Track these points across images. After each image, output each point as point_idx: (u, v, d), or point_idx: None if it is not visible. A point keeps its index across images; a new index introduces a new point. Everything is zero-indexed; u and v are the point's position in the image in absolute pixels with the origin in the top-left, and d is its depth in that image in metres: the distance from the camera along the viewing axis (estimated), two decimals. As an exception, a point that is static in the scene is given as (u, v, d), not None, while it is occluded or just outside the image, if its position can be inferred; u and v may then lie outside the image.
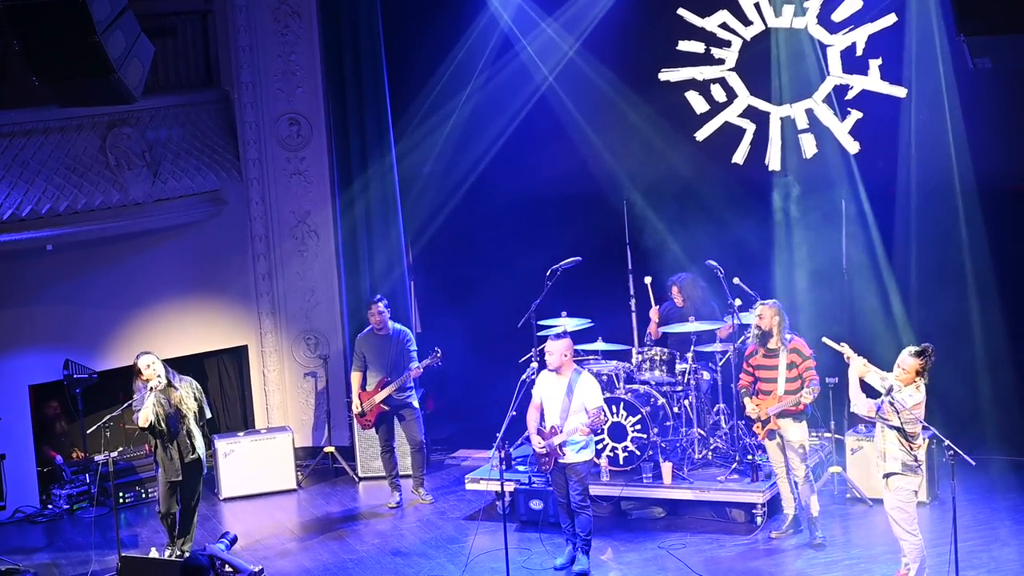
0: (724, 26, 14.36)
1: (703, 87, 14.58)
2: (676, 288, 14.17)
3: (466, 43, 15.16)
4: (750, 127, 14.53)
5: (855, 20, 13.93)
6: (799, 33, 14.14)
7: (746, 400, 12.46)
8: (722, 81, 14.53)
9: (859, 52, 13.99)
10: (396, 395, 14.05)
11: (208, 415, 12.78)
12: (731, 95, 14.55)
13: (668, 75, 14.58)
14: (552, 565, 12.34)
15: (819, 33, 14.08)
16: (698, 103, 14.61)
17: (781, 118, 14.44)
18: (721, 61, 14.46)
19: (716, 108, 14.61)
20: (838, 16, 13.96)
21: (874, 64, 13.97)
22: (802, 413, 12.23)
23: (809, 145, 14.36)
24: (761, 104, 14.49)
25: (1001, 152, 13.91)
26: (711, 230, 14.59)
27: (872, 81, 14.02)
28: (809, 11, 14.03)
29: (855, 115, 14.14)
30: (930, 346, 10.88)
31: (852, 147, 14.23)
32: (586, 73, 14.95)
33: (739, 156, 14.59)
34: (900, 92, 13.94)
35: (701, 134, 14.65)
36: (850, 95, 14.14)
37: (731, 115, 14.58)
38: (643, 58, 14.72)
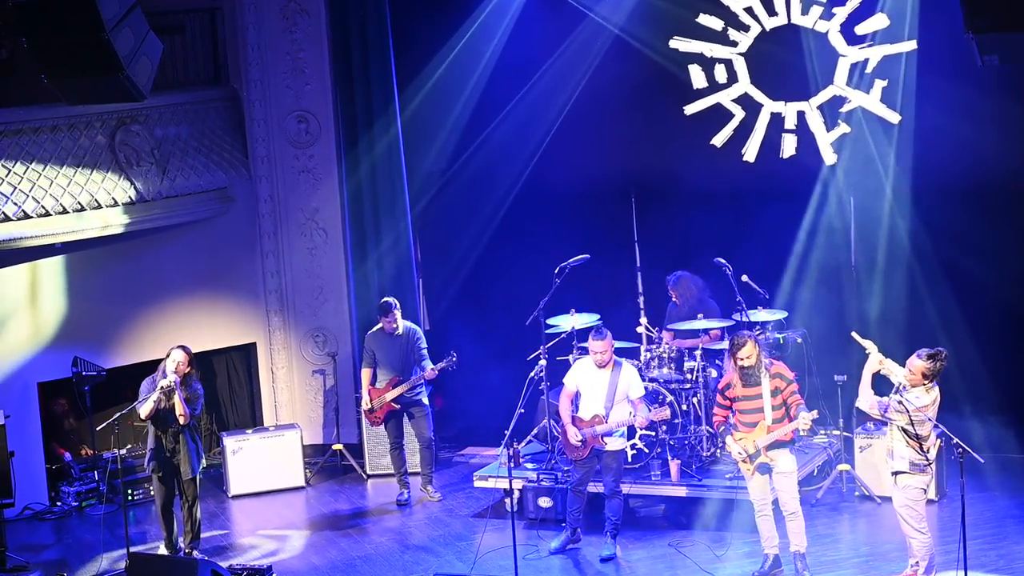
0: (749, 10, 14.31)
1: (708, 64, 14.54)
2: (670, 288, 14.16)
3: (473, 39, 15.15)
4: (740, 114, 14.52)
5: (874, 37, 13.89)
6: (818, 36, 14.11)
7: (728, 439, 11.71)
8: (728, 63, 14.50)
9: (869, 69, 13.96)
10: (406, 393, 14.06)
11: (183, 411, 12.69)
12: (732, 79, 14.52)
13: (678, 44, 14.53)
14: (548, 548, 12.42)
15: (837, 41, 14.04)
16: (698, 78, 14.59)
17: (771, 113, 14.43)
18: (734, 43, 14.44)
19: (713, 88, 14.58)
20: (861, 29, 13.91)
21: (879, 84, 13.96)
22: (793, 440, 11.69)
23: (789, 146, 14.36)
24: (757, 94, 14.47)
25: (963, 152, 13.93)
26: (717, 226, 14.60)
27: (872, 100, 14.01)
28: (835, 17, 13.98)
29: (843, 128, 14.14)
30: (943, 351, 10.83)
31: (830, 158, 14.24)
32: (591, 67, 14.92)
33: (719, 139, 14.58)
34: (894, 117, 13.93)
35: (690, 108, 14.62)
36: (845, 108, 14.13)
37: (725, 98, 14.55)
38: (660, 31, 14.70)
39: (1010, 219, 14.05)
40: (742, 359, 11.45)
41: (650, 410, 12.50)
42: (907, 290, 14.29)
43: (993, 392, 14.04)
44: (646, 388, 13.51)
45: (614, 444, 12.27)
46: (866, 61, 13.99)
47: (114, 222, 14.68)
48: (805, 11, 14.12)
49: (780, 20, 14.28)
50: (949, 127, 13.68)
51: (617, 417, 12.16)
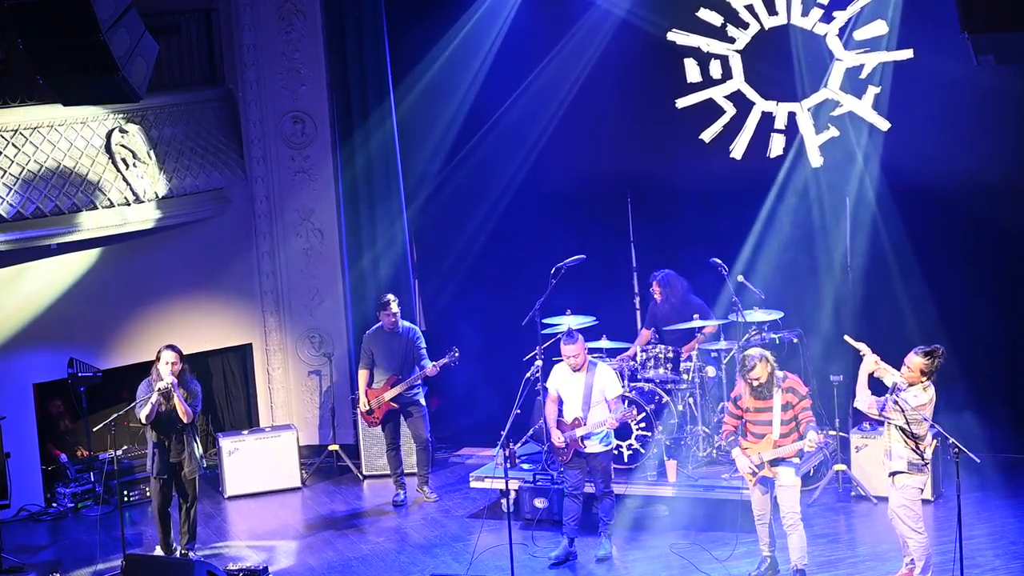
0: (750, 8, 14.31)
1: (703, 59, 14.53)
2: (656, 284, 14.14)
3: (468, 39, 15.16)
4: (731, 110, 14.53)
5: (873, 44, 13.90)
6: (815, 38, 14.12)
7: (735, 451, 11.57)
8: (723, 59, 14.51)
9: (863, 75, 13.98)
10: (405, 393, 14.07)
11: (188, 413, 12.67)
12: (726, 75, 14.53)
13: (676, 36, 14.52)
14: (548, 556, 12.41)
15: (835, 44, 14.04)
16: (692, 72, 14.59)
17: (762, 112, 14.44)
18: (732, 40, 14.44)
19: (707, 83, 14.58)
20: (860, 35, 13.91)
21: (872, 91, 13.97)
22: (799, 454, 11.55)
23: (777, 146, 14.37)
24: (750, 92, 14.48)
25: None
26: (712, 226, 14.61)
27: (863, 107, 14.02)
28: (835, 21, 13.98)
29: (832, 132, 14.16)
30: (940, 348, 10.84)
31: (816, 161, 14.26)
32: (586, 66, 14.92)
33: (708, 135, 14.59)
34: (884, 124, 13.95)
35: (682, 102, 14.62)
36: (836, 112, 14.14)
37: (718, 94, 14.55)
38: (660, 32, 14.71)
39: (1000, 221, 14.05)
40: (752, 379, 11.38)
41: (628, 407, 12.49)
42: (900, 291, 14.29)
43: (987, 391, 14.04)
44: (642, 388, 13.53)
45: (594, 447, 12.25)
46: (861, 67, 14.00)
47: (110, 223, 14.65)
48: (806, 12, 14.12)
49: (780, 20, 14.27)
50: (939, 132, 13.72)
51: (595, 419, 12.16)
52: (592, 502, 12.73)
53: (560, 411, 12.31)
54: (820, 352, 14.11)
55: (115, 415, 12.86)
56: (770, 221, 14.52)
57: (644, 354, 13.81)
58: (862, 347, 11.21)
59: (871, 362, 11.08)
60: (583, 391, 12.16)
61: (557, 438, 12.21)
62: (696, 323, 13.71)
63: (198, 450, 12.80)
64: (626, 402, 12.79)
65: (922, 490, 11.03)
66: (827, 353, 13.96)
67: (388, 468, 14.58)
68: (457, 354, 14.00)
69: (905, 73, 13.85)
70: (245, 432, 15.29)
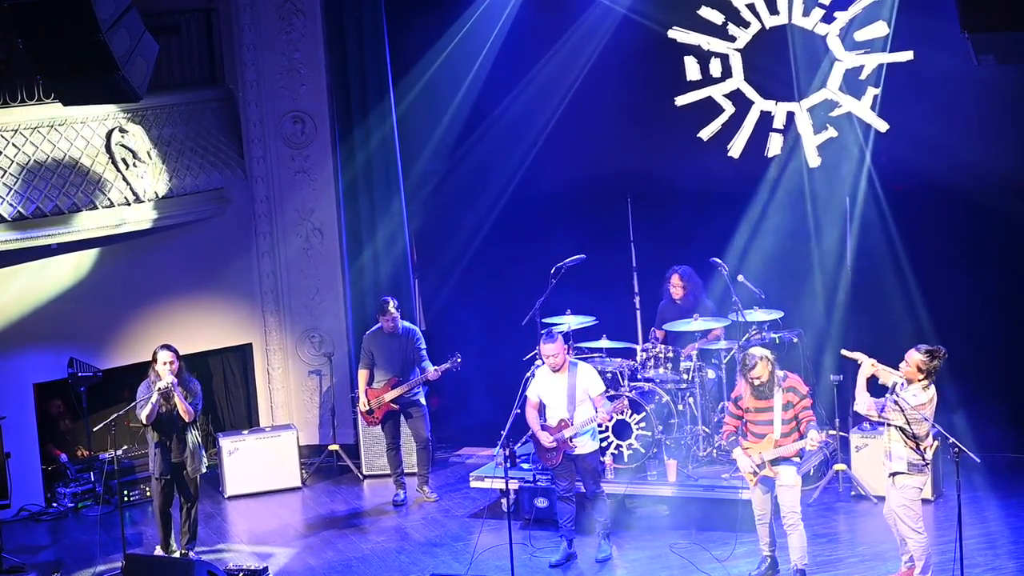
0: (751, 7, 14.32)
1: (703, 57, 14.53)
2: (677, 277, 14.10)
3: (467, 39, 15.16)
4: (730, 109, 14.53)
5: (872, 45, 13.90)
6: (816, 38, 14.12)
7: (736, 451, 11.62)
8: (724, 58, 14.51)
9: (863, 76, 13.98)
10: (405, 393, 14.06)
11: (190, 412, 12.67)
12: (726, 74, 14.53)
13: (677, 34, 14.51)
14: (548, 562, 12.40)
15: (835, 45, 14.04)
16: (692, 70, 14.58)
17: (760, 111, 14.44)
18: (732, 38, 14.44)
19: (706, 81, 14.58)
20: (860, 36, 13.91)
21: (871, 92, 13.97)
22: (800, 454, 11.54)
23: (775, 145, 14.37)
24: (749, 91, 14.48)
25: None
26: (711, 224, 14.61)
27: (862, 107, 14.02)
28: (836, 22, 13.97)
29: (830, 132, 14.16)
30: (942, 349, 10.83)
31: (814, 161, 14.27)
32: (585, 65, 14.93)
33: (706, 133, 14.58)
34: (882, 126, 13.95)
35: (681, 100, 14.62)
36: (835, 112, 14.14)
37: (717, 92, 14.55)
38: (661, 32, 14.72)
39: (999, 221, 14.06)
40: (753, 378, 11.36)
41: (616, 402, 12.50)
42: (899, 291, 14.30)
43: (987, 391, 14.05)
44: (642, 388, 13.53)
45: (584, 447, 12.20)
46: (860, 67, 14.00)
47: (110, 223, 14.65)
48: (807, 12, 14.12)
49: (781, 19, 14.27)
50: (938, 133, 13.72)
51: (582, 418, 12.13)
52: (585, 502, 12.69)
53: (543, 415, 12.27)
54: (820, 351, 14.11)
55: (115, 415, 12.85)
56: (768, 220, 14.52)
57: (644, 354, 13.81)
58: (859, 356, 11.19)
59: (868, 366, 11.08)
60: (566, 391, 12.10)
61: (546, 439, 12.18)
62: (701, 324, 13.66)
63: (199, 442, 12.79)
64: (624, 400, 12.79)
65: (922, 490, 11.03)
66: (827, 352, 13.96)
67: (388, 468, 14.58)
68: (459, 360, 13.99)
69: (904, 74, 13.86)
70: (245, 432, 15.29)
